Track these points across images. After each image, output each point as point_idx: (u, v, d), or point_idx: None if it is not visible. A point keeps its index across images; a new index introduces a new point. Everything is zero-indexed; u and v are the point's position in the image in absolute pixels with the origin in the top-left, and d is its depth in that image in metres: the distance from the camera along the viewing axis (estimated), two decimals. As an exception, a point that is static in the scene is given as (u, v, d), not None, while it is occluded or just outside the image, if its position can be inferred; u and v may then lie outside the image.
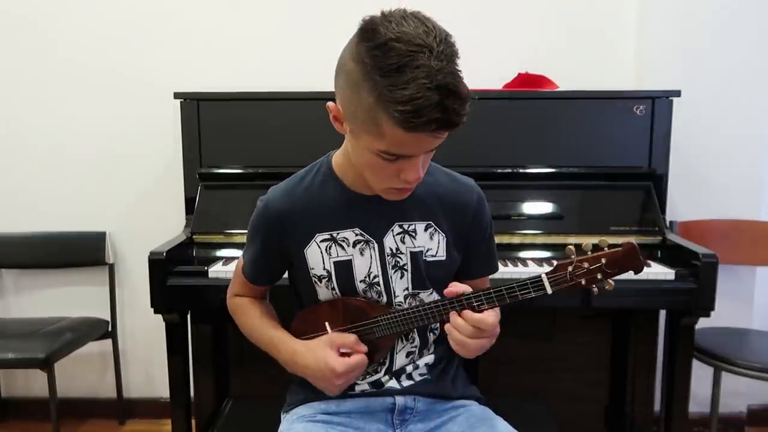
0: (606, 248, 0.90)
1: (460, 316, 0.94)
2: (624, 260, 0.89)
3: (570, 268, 0.91)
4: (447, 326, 0.95)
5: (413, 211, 1.05)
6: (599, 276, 0.90)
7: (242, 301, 1.18)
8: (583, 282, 0.91)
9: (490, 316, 0.93)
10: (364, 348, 1.03)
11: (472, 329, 0.92)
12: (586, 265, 0.90)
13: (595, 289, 0.91)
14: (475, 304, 0.96)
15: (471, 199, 1.09)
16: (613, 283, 0.91)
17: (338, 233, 1.05)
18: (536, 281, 0.92)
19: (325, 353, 1.01)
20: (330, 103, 0.94)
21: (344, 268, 1.06)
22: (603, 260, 0.90)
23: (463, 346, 0.94)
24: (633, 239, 1.67)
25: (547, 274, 0.92)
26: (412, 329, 1.07)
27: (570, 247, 0.92)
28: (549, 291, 0.92)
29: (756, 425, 2.25)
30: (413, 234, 1.06)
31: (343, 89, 0.89)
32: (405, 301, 1.08)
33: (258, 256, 1.11)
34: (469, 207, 1.09)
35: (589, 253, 0.91)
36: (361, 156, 0.92)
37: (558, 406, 1.51)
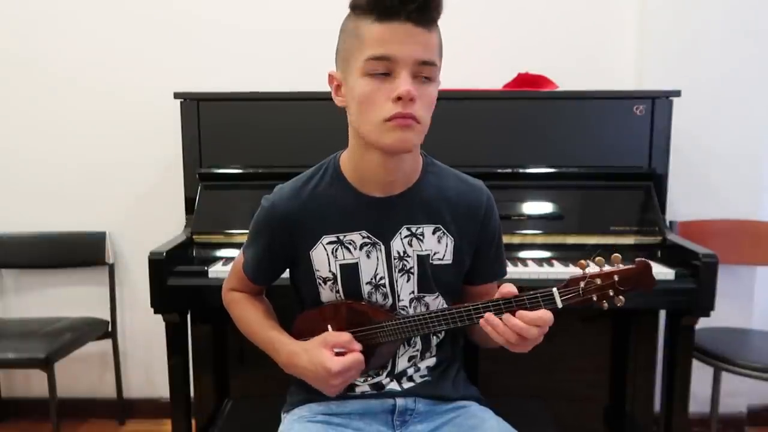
0: (619, 265, 0.89)
1: (518, 317, 0.91)
2: (637, 278, 0.88)
3: (582, 284, 0.90)
4: (503, 330, 0.91)
5: (422, 213, 1.05)
6: (611, 293, 0.89)
7: (240, 296, 1.18)
8: (595, 298, 0.90)
9: (548, 313, 0.90)
10: (358, 346, 1.02)
11: (537, 332, 0.90)
12: (598, 281, 0.89)
13: (605, 305, 0.90)
14: (483, 315, 0.94)
15: (480, 201, 1.08)
16: (623, 299, 0.89)
17: (345, 236, 1.04)
18: (547, 295, 0.91)
19: (320, 353, 1.00)
20: (329, 72, 0.98)
21: (350, 271, 1.05)
22: (616, 277, 0.89)
23: (518, 348, 0.92)
24: (633, 239, 1.71)
25: (558, 288, 0.91)
26: (415, 336, 1.07)
27: (582, 261, 0.90)
28: (559, 305, 0.91)
29: (756, 425, 2.25)
30: (421, 237, 1.05)
31: (336, 47, 0.97)
32: (410, 305, 1.07)
33: (261, 256, 1.10)
34: (478, 209, 1.07)
35: (602, 268, 0.90)
36: (355, 95, 0.93)
37: (558, 406, 1.51)
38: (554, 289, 0.91)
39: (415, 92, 0.89)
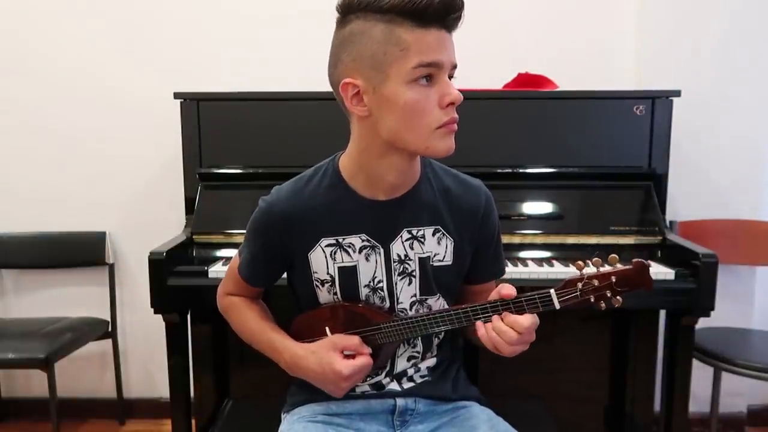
0: (617, 266, 0.89)
1: (501, 319, 0.92)
2: (634, 278, 0.89)
3: (580, 285, 0.90)
4: (489, 330, 0.93)
5: (422, 215, 1.04)
6: (608, 294, 0.89)
7: (236, 300, 1.16)
8: (592, 299, 0.90)
9: (527, 320, 0.91)
10: (368, 350, 1.02)
11: (515, 335, 0.90)
12: (595, 282, 0.89)
13: (603, 305, 0.91)
14: (481, 316, 0.95)
15: (479, 201, 1.08)
16: (621, 300, 0.90)
17: (344, 239, 1.04)
18: (545, 297, 0.91)
19: (330, 356, 1.00)
20: (344, 80, 0.92)
21: (348, 274, 1.05)
22: (613, 278, 0.89)
23: (501, 349, 0.93)
24: (633, 239, 1.71)
25: (556, 290, 0.91)
26: (413, 338, 1.07)
27: (579, 262, 0.91)
28: (557, 306, 0.91)
29: (756, 425, 2.25)
30: (422, 240, 1.04)
31: (351, 54, 0.91)
32: (411, 308, 1.07)
33: (257, 256, 1.09)
34: (477, 209, 1.07)
35: (599, 269, 0.90)
36: (401, 102, 0.90)
37: (558, 406, 1.51)
38: (552, 291, 0.91)
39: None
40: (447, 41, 0.90)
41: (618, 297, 0.89)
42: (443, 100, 0.90)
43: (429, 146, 0.93)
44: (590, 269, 0.90)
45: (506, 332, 0.91)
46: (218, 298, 1.20)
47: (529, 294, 0.92)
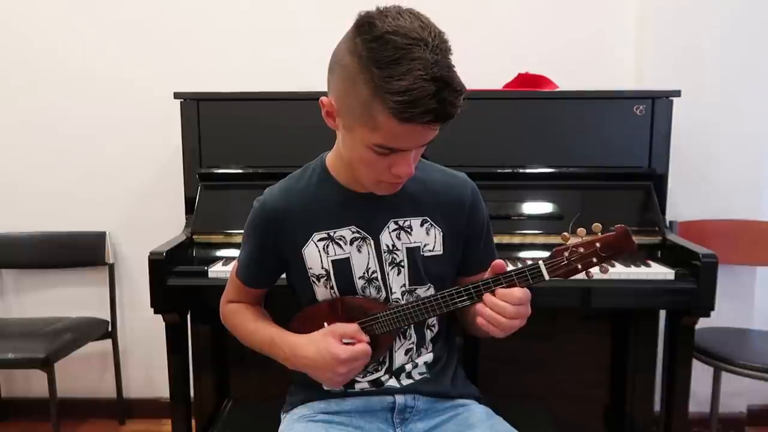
0: (599, 233, 0.92)
1: (493, 294, 0.93)
2: (617, 243, 0.91)
3: (566, 254, 0.93)
4: (484, 308, 0.93)
5: (408, 207, 1.06)
6: (594, 260, 0.92)
7: (236, 306, 1.18)
8: (579, 266, 0.93)
9: (519, 290, 0.92)
10: (366, 337, 1.03)
11: (511, 308, 0.91)
12: (581, 249, 0.92)
13: (591, 273, 0.93)
14: (474, 294, 0.96)
15: (465, 194, 1.10)
16: (608, 267, 0.93)
17: (335, 232, 1.06)
18: (534, 269, 0.93)
19: (327, 342, 1.01)
20: (323, 98, 0.95)
21: (343, 266, 1.06)
22: (597, 244, 0.91)
23: (499, 323, 0.92)
24: (633, 239, 1.70)
25: (543, 260, 0.94)
26: (411, 324, 1.07)
27: (565, 233, 0.94)
28: (546, 277, 0.93)
29: (756, 425, 2.25)
30: (409, 230, 1.06)
31: (338, 83, 0.90)
32: (402, 298, 1.08)
33: (253, 256, 1.11)
34: (464, 201, 1.09)
35: (584, 238, 0.92)
36: (354, 150, 0.93)
37: (558, 406, 1.51)
38: (540, 263, 0.93)
39: (413, 168, 0.93)
40: (424, 131, 0.87)
41: (604, 264, 0.92)
42: (394, 170, 0.92)
43: (369, 187, 0.99)
44: (575, 239, 0.93)
45: (500, 305, 0.92)
46: (221, 307, 1.22)
47: (519, 268, 0.94)
